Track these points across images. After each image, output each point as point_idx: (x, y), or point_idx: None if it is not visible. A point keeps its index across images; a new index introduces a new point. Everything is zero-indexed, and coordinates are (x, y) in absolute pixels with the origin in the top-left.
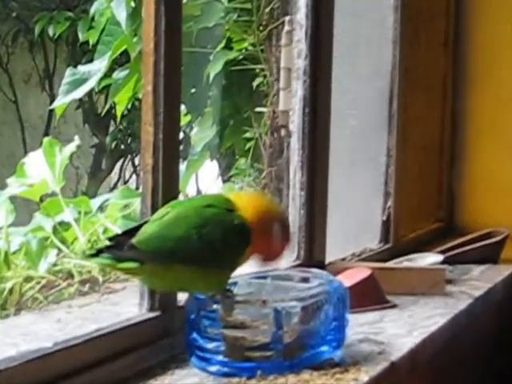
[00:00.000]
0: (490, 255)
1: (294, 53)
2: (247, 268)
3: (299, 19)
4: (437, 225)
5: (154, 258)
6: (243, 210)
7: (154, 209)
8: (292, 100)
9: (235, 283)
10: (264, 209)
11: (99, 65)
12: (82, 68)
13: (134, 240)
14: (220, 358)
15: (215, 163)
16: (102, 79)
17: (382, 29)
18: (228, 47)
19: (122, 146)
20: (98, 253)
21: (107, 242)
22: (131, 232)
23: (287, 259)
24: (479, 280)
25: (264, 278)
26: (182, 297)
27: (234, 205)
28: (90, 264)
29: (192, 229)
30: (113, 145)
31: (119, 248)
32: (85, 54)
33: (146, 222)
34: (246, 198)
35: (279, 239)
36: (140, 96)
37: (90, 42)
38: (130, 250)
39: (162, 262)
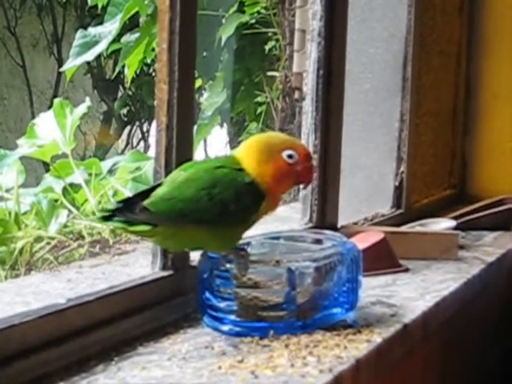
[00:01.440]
0: (502, 222)
1: (309, 14)
2: (261, 229)
3: None
4: (449, 191)
5: (165, 219)
6: (251, 163)
7: (168, 168)
8: (306, 62)
9: (249, 243)
10: (269, 147)
11: (110, 27)
12: (92, 30)
13: (145, 202)
14: (232, 317)
15: (225, 130)
16: (111, 43)
17: None
18: (240, 10)
19: (130, 112)
20: (110, 216)
21: (119, 204)
22: (143, 194)
23: (299, 221)
24: (492, 246)
25: (277, 238)
26: (195, 256)
27: (242, 162)
28: (100, 225)
29: (202, 190)
30: (121, 111)
31: (131, 210)
32: (93, 18)
33: (158, 185)
34: (250, 148)
35: (299, 163)
36: (149, 61)
37: (99, 6)
38: (142, 212)
39: (173, 224)
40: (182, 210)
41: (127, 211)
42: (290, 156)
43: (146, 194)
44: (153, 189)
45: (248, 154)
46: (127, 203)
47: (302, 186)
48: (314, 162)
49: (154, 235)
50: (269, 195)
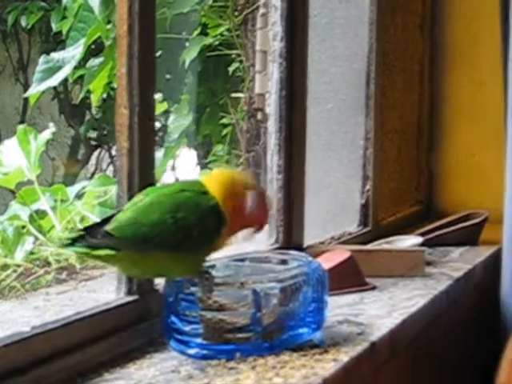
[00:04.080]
0: (469, 237)
1: (270, 35)
2: (226, 251)
3: (274, 1)
4: (416, 208)
5: (129, 244)
6: (215, 190)
7: (131, 192)
8: (268, 83)
9: (213, 266)
10: (233, 183)
11: (73, 52)
12: (55, 55)
13: (108, 227)
14: (199, 340)
15: (193, 152)
16: (76, 69)
17: (358, 10)
18: (203, 33)
19: (98, 137)
20: (74, 241)
21: (81, 232)
22: (106, 221)
23: (265, 242)
24: (458, 262)
25: (242, 260)
26: (160, 280)
27: (206, 187)
28: (66, 252)
29: (166, 213)
30: (89, 135)
31: (93, 236)
32: (58, 44)
33: (119, 212)
34: (215, 177)
35: (257, 206)
36: (115, 85)
37: (63, 32)
38: (105, 237)
39: (137, 249)
40: (146, 235)
41: (90, 237)
42: (251, 199)
43: (109, 219)
44: (115, 215)
45: (213, 181)
46: (90, 230)
47: (254, 230)
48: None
49: (117, 260)
50: (227, 223)
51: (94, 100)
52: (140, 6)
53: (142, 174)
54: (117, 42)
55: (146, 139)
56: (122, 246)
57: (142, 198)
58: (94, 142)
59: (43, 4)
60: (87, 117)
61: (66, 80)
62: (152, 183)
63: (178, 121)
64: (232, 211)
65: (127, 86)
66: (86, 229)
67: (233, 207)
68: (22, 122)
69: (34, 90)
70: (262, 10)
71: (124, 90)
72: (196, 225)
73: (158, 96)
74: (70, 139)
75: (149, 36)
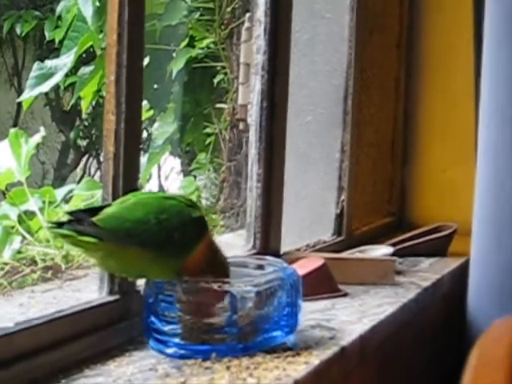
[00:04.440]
0: (438, 248)
1: (253, 48)
2: None
3: (258, 16)
4: (388, 219)
5: (112, 236)
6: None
7: (115, 196)
8: (250, 94)
9: None
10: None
11: (65, 60)
12: (48, 63)
13: (94, 218)
14: (176, 340)
15: (178, 160)
16: (68, 76)
17: (338, 28)
18: (190, 45)
19: (87, 143)
20: (60, 225)
21: (68, 217)
22: (92, 211)
23: (243, 248)
24: (428, 272)
25: None
26: (141, 282)
27: (195, 204)
28: (52, 252)
29: (150, 214)
30: (78, 141)
31: (81, 224)
32: (51, 51)
33: (107, 205)
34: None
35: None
36: (104, 93)
37: (56, 40)
38: (91, 226)
39: (119, 242)
40: (129, 230)
41: (77, 224)
42: None
43: (94, 211)
44: (102, 208)
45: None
46: (77, 217)
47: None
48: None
49: (99, 249)
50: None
51: (84, 107)
52: (129, 16)
53: (127, 178)
54: (106, 51)
55: (132, 145)
56: (105, 237)
57: (130, 198)
58: (82, 148)
59: (37, 13)
60: (77, 123)
61: (57, 87)
62: (136, 188)
63: (163, 128)
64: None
65: (115, 93)
66: (70, 213)
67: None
68: (15, 125)
69: (27, 95)
70: (246, 24)
71: (112, 97)
72: (178, 229)
73: (144, 103)
74: (60, 144)
75: (137, 46)
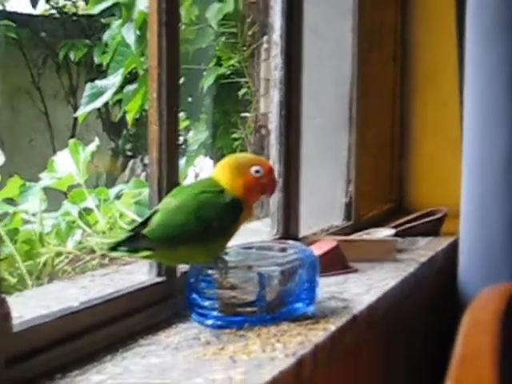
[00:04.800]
0: (432, 229)
1: (272, 66)
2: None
3: (275, 39)
4: (389, 205)
5: (161, 244)
6: (224, 180)
7: (160, 194)
8: (270, 104)
9: (227, 253)
10: (236, 165)
11: (113, 80)
12: (98, 83)
13: (145, 231)
14: (215, 313)
15: (210, 161)
16: (115, 94)
17: (342, 46)
18: (218, 64)
19: (133, 148)
20: (117, 246)
21: (126, 234)
22: (145, 222)
23: (268, 234)
24: (424, 249)
25: (250, 248)
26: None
27: (218, 181)
28: (108, 241)
29: (191, 214)
30: (125, 147)
31: (135, 239)
32: (100, 73)
33: (154, 212)
34: (221, 169)
35: (264, 176)
36: (147, 107)
37: (104, 64)
38: (143, 239)
39: (168, 247)
40: (175, 235)
41: (131, 241)
42: (256, 171)
43: (146, 222)
44: (150, 217)
45: (223, 173)
46: (133, 232)
47: (267, 196)
48: (276, 177)
49: (152, 257)
50: (245, 206)
51: (130, 118)
52: (167, 43)
53: (169, 179)
54: (149, 72)
55: (172, 150)
56: (155, 246)
57: (171, 201)
58: (129, 153)
59: (87, 41)
60: (124, 132)
61: (107, 103)
62: (177, 185)
63: (197, 135)
64: (245, 190)
65: (157, 108)
66: (129, 231)
67: (244, 186)
68: (72, 136)
69: (82, 111)
70: (265, 46)
71: (155, 111)
72: (215, 218)
73: (181, 115)
74: (111, 150)
75: (174, 67)
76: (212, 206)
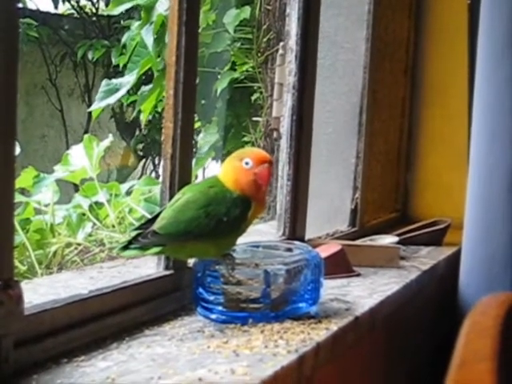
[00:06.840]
0: (435, 239)
1: (286, 71)
2: (245, 239)
3: (291, 45)
4: (394, 214)
5: (172, 239)
6: (226, 180)
7: (172, 189)
8: (283, 109)
9: (234, 250)
10: (231, 162)
11: (129, 78)
12: (114, 80)
13: (155, 226)
14: (220, 308)
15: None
16: (130, 95)
17: (355, 56)
18: (233, 69)
19: (144, 148)
20: (128, 244)
21: (135, 232)
22: (155, 218)
23: (275, 234)
24: (426, 258)
25: (257, 246)
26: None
27: (224, 182)
28: (117, 235)
29: (200, 209)
30: (137, 147)
31: (144, 235)
32: (117, 73)
33: (164, 209)
34: (223, 169)
35: (253, 166)
36: (160, 109)
37: (121, 65)
38: (153, 235)
39: (178, 242)
40: (185, 229)
41: (141, 237)
42: (246, 163)
43: (155, 218)
44: (158, 215)
45: (225, 172)
46: (141, 229)
47: (263, 186)
48: (271, 165)
49: (163, 252)
50: (252, 202)
51: (144, 118)
52: (186, 41)
53: (181, 175)
54: (166, 69)
55: (186, 147)
56: (166, 242)
57: (180, 197)
58: (140, 153)
59: (106, 42)
60: (137, 133)
61: (121, 103)
62: (189, 182)
63: (207, 137)
64: (241, 184)
65: (173, 105)
66: (137, 228)
67: (240, 180)
68: (85, 133)
69: (96, 106)
70: (280, 51)
71: (170, 108)
72: (225, 213)
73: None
74: (122, 149)
75: (192, 66)
76: (221, 202)
